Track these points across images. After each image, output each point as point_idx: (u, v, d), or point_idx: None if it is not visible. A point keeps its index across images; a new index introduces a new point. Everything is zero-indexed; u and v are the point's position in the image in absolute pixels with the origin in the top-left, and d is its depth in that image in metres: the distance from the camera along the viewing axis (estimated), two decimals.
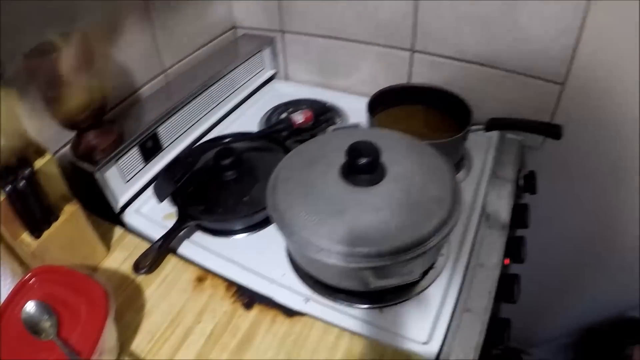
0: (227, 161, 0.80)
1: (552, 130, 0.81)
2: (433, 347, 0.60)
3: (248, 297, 0.67)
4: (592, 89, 0.86)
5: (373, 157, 0.60)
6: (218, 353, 0.61)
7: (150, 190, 0.84)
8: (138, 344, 0.62)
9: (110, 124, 0.79)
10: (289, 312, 0.65)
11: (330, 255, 0.56)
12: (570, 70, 0.85)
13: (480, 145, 0.92)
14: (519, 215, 0.85)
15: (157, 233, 0.75)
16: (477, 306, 0.66)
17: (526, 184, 0.91)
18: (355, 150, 0.61)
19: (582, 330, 1.42)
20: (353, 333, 0.62)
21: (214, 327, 0.64)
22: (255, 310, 0.66)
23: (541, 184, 0.94)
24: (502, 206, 0.80)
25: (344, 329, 0.63)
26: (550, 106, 0.91)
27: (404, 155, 0.66)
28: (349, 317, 0.64)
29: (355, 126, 0.75)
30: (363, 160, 0.60)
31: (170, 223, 0.75)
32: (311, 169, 0.65)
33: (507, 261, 0.76)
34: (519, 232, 0.86)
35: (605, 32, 0.78)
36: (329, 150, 0.66)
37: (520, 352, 1.61)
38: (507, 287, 0.72)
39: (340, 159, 0.63)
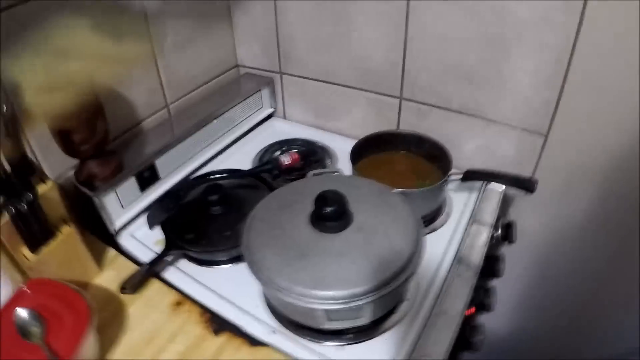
0: (214, 197, 0.86)
1: (525, 184, 0.83)
2: None
3: (218, 324, 0.72)
4: (574, 141, 0.89)
5: (338, 206, 0.65)
6: None
7: (145, 217, 0.90)
8: (117, 356, 0.68)
9: (111, 154, 0.86)
10: (254, 342, 0.69)
11: (289, 294, 0.60)
12: (553, 122, 0.88)
13: (463, 191, 0.95)
14: (492, 265, 0.87)
15: (146, 256, 0.81)
16: (434, 352, 0.68)
17: (505, 233, 0.93)
18: (323, 199, 0.65)
19: None
20: None
21: (185, 349, 0.68)
22: (223, 337, 0.70)
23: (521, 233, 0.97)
24: (475, 254, 0.83)
25: None
26: (534, 157, 0.93)
27: (372, 205, 0.70)
28: (312, 352, 0.68)
29: (334, 172, 0.80)
30: (328, 209, 0.64)
31: (160, 249, 0.81)
32: (284, 212, 0.70)
33: (473, 310, 0.78)
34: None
35: (588, 83, 0.81)
36: (302, 196, 0.71)
37: None
38: (469, 336, 0.75)
39: (311, 205, 0.67)
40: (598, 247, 1.02)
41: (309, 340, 0.70)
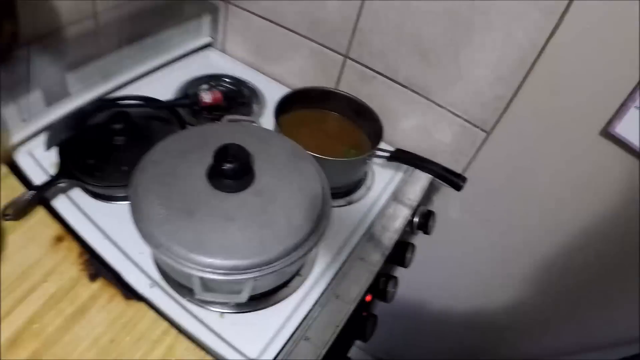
0: (118, 126, 0.76)
1: (454, 180, 0.79)
2: None
3: (95, 269, 0.65)
4: (516, 143, 0.85)
5: (240, 164, 0.57)
6: (52, 317, 0.60)
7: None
8: None
9: (17, 60, 0.73)
10: (128, 295, 0.63)
11: (165, 252, 0.53)
12: (500, 120, 0.83)
13: (390, 168, 0.91)
14: (402, 252, 0.84)
15: (40, 179, 0.71)
16: (317, 337, 0.65)
17: (422, 222, 0.89)
18: (223, 153, 0.57)
19: None
20: (183, 332, 0.61)
21: (56, 290, 0.62)
22: (98, 284, 0.64)
23: (439, 223, 0.94)
24: (386, 236, 0.79)
25: (176, 325, 0.61)
26: (471, 151, 0.90)
27: (280, 168, 0.63)
28: (188, 314, 0.63)
29: (251, 122, 0.72)
30: (228, 165, 0.57)
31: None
32: (182, 160, 0.61)
33: (369, 298, 0.75)
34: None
35: (547, 88, 0.76)
36: (206, 144, 0.62)
37: None
38: (360, 325, 0.72)
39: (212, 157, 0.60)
40: (512, 254, 1.02)
41: (189, 300, 0.64)
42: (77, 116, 0.80)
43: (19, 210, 0.67)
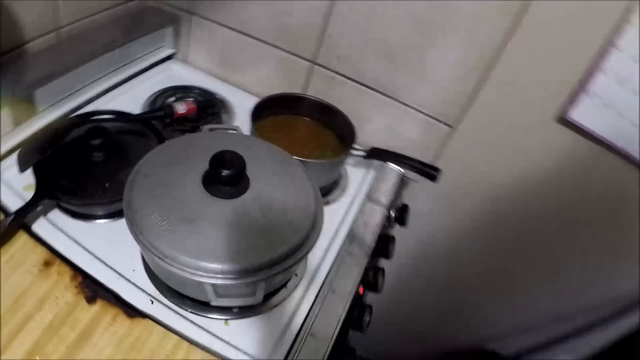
0: (97, 141, 0.74)
1: (429, 172, 0.83)
2: None
3: (92, 291, 0.63)
4: (481, 138, 0.91)
5: (236, 170, 0.58)
6: (55, 345, 0.57)
7: (15, 155, 0.75)
8: None
9: None
10: (131, 313, 0.62)
11: (172, 264, 0.53)
12: (465, 116, 0.89)
13: (361, 168, 0.94)
14: (384, 245, 0.87)
15: (13, 203, 0.68)
16: (323, 332, 0.67)
17: (398, 215, 0.93)
18: (219, 160, 0.58)
19: (440, 355, 1.51)
20: (192, 343, 0.61)
21: (54, 318, 0.59)
22: (98, 306, 0.62)
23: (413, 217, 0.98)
24: (368, 233, 0.82)
25: (184, 338, 0.61)
26: (437, 146, 0.95)
27: (271, 172, 0.64)
28: (193, 325, 0.63)
29: (233, 130, 0.72)
30: (225, 172, 0.57)
31: (31, 195, 0.68)
32: (173, 170, 0.61)
33: (361, 290, 0.78)
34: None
35: (509, 85, 0.82)
36: (196, 153, 0.63)
37: None
38: (358, 316, 0.74)
39: (205, 164, 0.60)
40: (480, 243, 1.08)
41: (191, 312, 0.64)
42: (51, 134, 0.76)
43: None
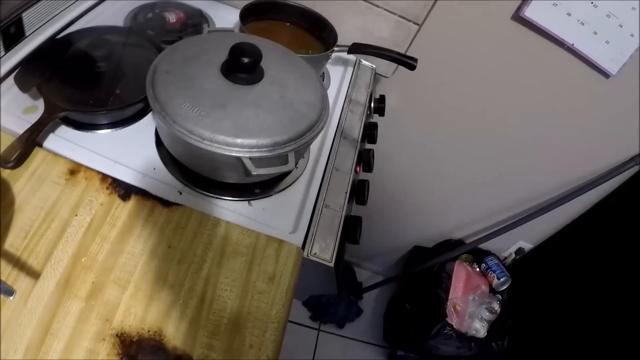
0: (101, 52, 0.76)
1: (408, 62, 0.91)
2: (299, 236, 0.70)
3: (124, 189, 0.66)
4: (445, 34, 1.01)
5: (255, 58, 0.64)
6: (99, 244, 0.60)
7: (9, 82, 0.74)
8: (11, 243, 0.58)
9: None
10: (166, 203, 0.66)
11: (213, 145, 0.59)
12: (429, 15, 0.97)
13: (338, 69, 1.02)
14: (371, 131, 0.97)
15: (18, 127, 0.67)
16: (334, 203, 0.76)
17: (376, 106, 1.03)
18: (239, 50, 0.64)
19: (410, 247, 1.67)
20: (228, 222, 0.67)
21: (92, 219, 0.62)
22: (133, 201, 0.65)
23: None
24: (355, 123, 0.92)
25: (219, 218, 0.67)
26: (406, 42, 1.04)
27: (280, 63, 0.71)
28: (221, 208, 0.69)
29: (231, 30, 0.77)
30: (245, 60, 0.64)
31: (32, 117, 0.68)
32: (191, 65, 0.66)
33: (358, 169, 0.88)
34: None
35: None
36: (208, 49, 0.68)
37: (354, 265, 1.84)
38: (359, 191, 0.85)
39: (220, 57, 0.66)
40: (446, 136, 1.21)
41: (217, 197, 0.71)
42: (46, 54, 0.77)
43: (19, 157, 0.64)
